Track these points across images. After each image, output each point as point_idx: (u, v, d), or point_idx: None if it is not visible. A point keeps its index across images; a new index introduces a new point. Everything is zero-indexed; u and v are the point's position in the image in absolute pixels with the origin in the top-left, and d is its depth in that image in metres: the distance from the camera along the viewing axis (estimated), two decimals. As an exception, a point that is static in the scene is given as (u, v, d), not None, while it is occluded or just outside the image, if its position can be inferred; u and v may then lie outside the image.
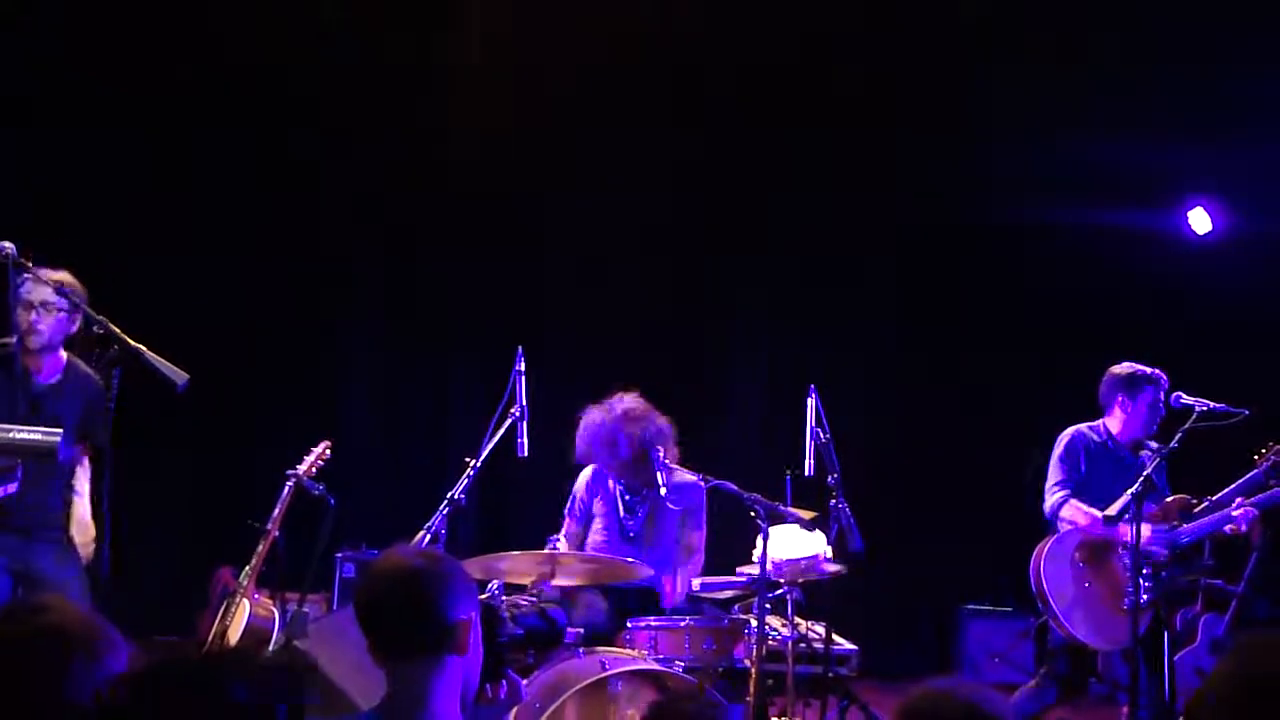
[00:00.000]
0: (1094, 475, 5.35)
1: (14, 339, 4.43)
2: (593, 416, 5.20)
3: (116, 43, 7.32)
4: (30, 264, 4.23)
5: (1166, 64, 7.20)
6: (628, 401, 5.18)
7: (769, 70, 7.72)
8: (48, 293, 4.30)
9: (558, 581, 4.56)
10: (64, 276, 4.37)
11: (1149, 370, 5.42)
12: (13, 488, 3.98)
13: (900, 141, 7.93)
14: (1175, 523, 5.17)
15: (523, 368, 4.70)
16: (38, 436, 3.87)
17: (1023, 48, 7.40)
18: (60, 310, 4.36)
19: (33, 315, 4.38)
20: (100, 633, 1.93)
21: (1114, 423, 5.44)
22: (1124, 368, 5.47)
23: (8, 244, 4.12)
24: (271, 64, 7.54)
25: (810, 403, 4.86)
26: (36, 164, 7.27)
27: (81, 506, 4.57)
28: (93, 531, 4.49)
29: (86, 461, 4.64)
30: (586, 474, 5.36)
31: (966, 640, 7.86)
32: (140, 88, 7.46)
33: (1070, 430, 5.47)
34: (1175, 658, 5.21)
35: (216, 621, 5.32)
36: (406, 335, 8.26)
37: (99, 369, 4.49)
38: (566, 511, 5.38)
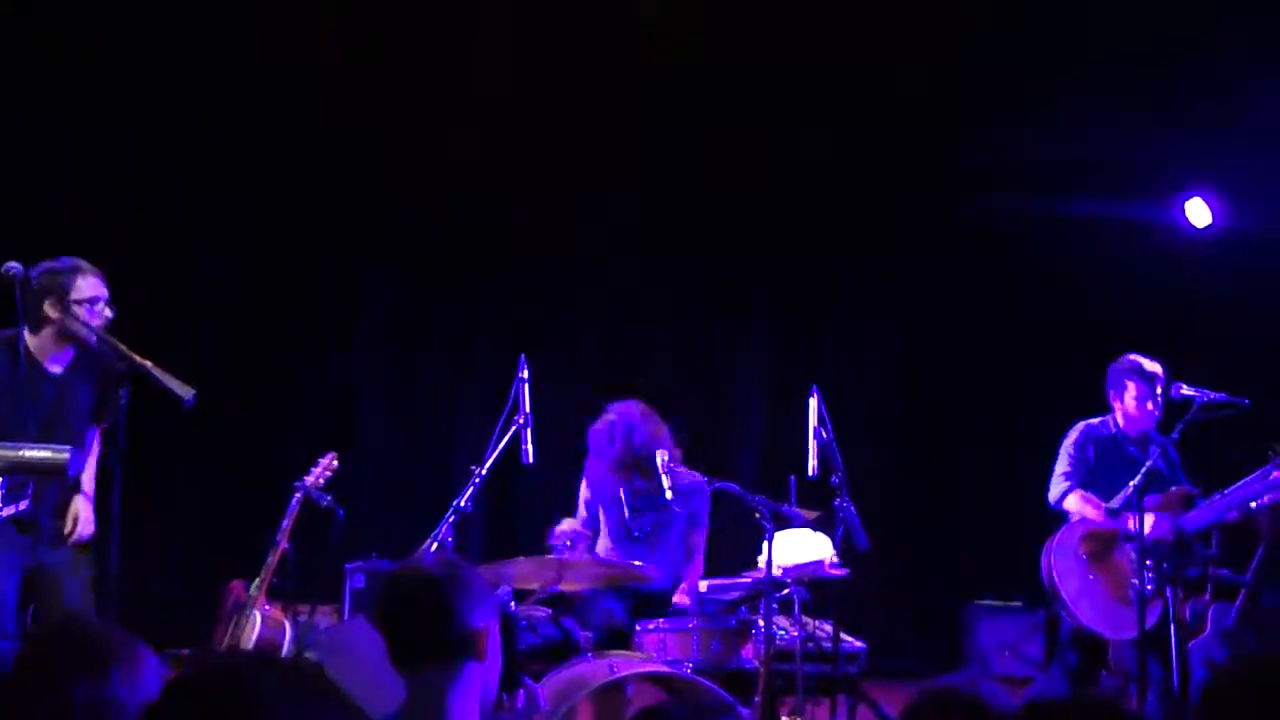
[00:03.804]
0: (1102, 467, 5.39)
1: (14, 329, 4.34)
2: (595, 425, 5.28)
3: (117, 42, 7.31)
4: (43, 280, 4.27)
5: (1165, 52, 7.19)
6: (625, 407, 5.26)
7: (770, 68, 7.72)
8: (97, 291, 4.35)
9: (565, 586, 4.58)
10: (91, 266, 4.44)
11: (1138, 362, 5.45)
12: (24, 505, 4.01)
13: (896, 138, 7.92)
14: (1176, 514, 5.20)
15: (526, 375, 4.73)
16: (47, 454, 3.90)
17: (1016, 39, 7.39)
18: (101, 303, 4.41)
19: (101, 310, 4.38)
20: (122, 647, 1.92)
21: (1119, 415, 5.49)
22: (1121, 361, 5.51)
23: (15, 264, 4.16)
24: (270, 63, 7.55)
25: (812, 403, 4.88)
26: (31, 165, 7.29)
27: (79, 498, 4.54)
28: (82, 513, 4.49)
29: (97, 442, 4.65)
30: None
31: (977, 636, 7.87)
32: (139, 85, 7.42)
33: (1081, 423, 5.52)
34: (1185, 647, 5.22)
35: (228, 634, 5.35)
36: (411, 345, 8.28)
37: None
38: (581, 511, 5.44)
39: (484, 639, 2.40)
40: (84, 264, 4.41)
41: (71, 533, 4.45)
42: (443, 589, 2.40)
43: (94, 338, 4.28)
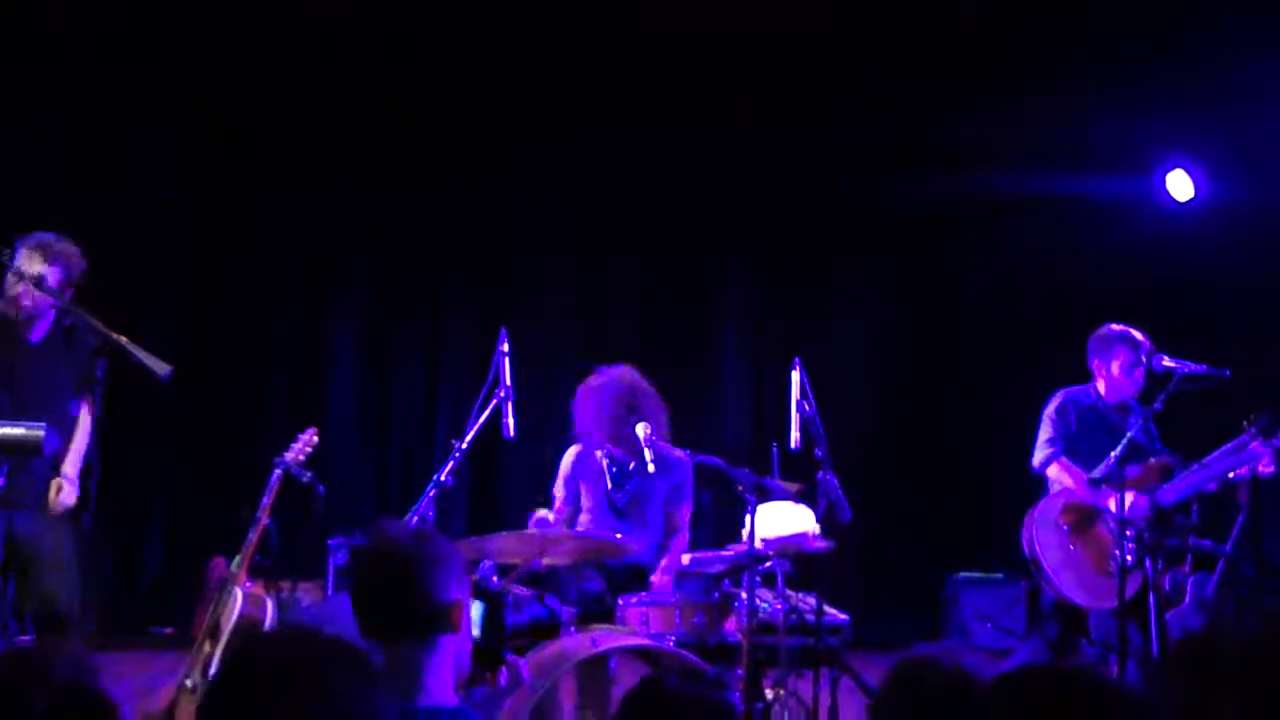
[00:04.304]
0: (1084, 436, 5.40)
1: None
2: (585, 384, 5.26)
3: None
4: (10, 251, 4.23)
5: (1148, 27, 7.19)
6: (616, 369, 5.24)
7: (758, 47, 7.71)
8: (39, 269, 4.27)
9: (547, 561, 4.57)
10: (61, 248, 4.35)
11: (1123, 331, 5.46)
12: (-1, 482, 3.98)
13: (880, 116, 7.92)
14: (1155, 485, 5.22)
15: (507, 348, 4.70)
16: (21, 431, 3.87)
17: (1005, 19, 7.40)
18: (50, 291, 4.32)
19: (21, 288, 4.34)
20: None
21: (1100, 385, 5.51)
22: (1102, 330, 5.52)
23: None
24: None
25: (795, 376, 4.86)
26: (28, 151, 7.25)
27: (69, 461, 4.52)
28: (65, 483, 4.48)
29: (87, 410, 4.61)
30: (571, 454, 5.38)
31: (958, 607, 7.91)
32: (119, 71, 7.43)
33: (1061, 391, 5.54)
34: (1164, 617, 5.25)
35: (210, 612, 5.32)
36: (391, 319, 8.25)
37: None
38: (557, 492, 5.39)
39: (457, 611, 2.40)
40: (51, 241, 4.32)
41: (53, 501, 4.43)
42: (414, 562, 2.40)
43: (17, 306, 4.25)
